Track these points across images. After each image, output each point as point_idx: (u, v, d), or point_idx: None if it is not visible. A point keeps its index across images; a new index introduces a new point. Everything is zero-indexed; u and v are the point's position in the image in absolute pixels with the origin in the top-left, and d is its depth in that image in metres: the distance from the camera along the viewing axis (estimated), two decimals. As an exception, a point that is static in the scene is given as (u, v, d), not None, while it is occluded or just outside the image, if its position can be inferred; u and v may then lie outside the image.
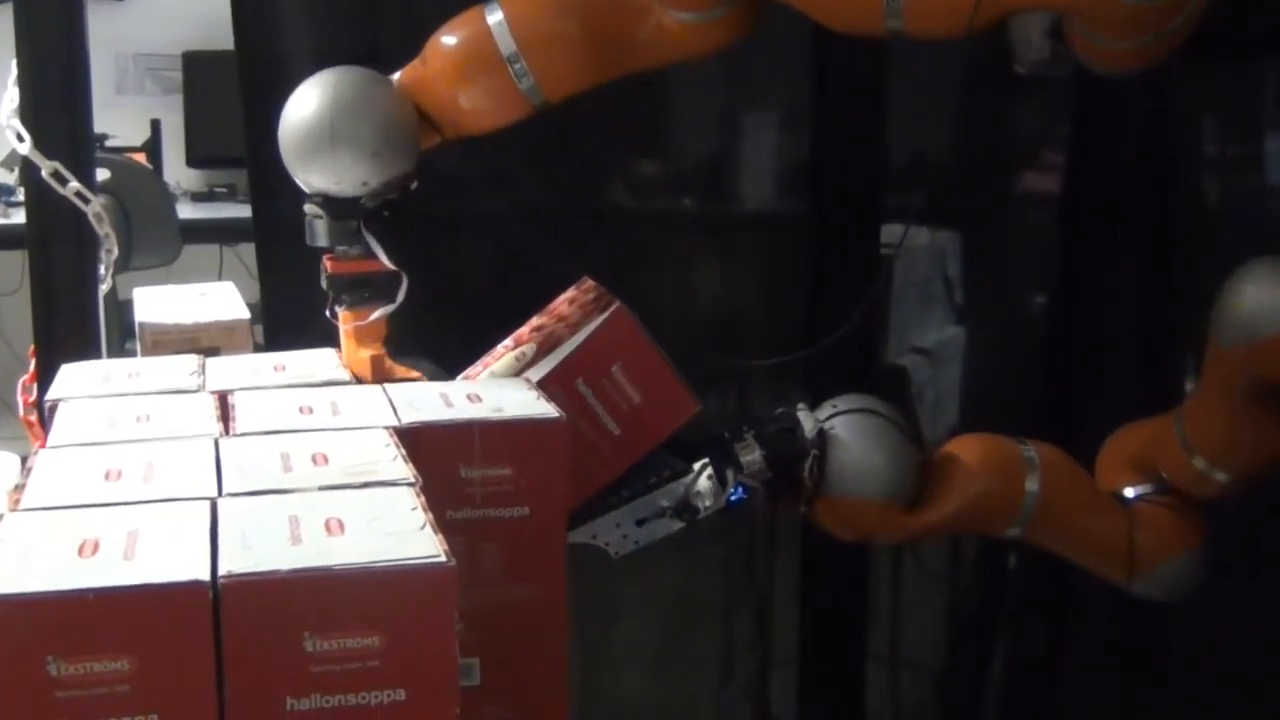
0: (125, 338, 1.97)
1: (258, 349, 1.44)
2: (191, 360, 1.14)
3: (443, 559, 0.73)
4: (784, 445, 1.26)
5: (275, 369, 1.12)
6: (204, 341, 1.39)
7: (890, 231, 1.72)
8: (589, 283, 1.26)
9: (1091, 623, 1.72)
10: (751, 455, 1.25)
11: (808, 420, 1.27)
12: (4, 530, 0.76)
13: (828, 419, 1.28)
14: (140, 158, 3.71)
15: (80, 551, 0.72)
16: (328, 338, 1.22)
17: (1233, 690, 1.54)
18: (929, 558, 1.84)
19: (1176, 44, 1.04)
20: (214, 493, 0.82)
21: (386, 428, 0.94)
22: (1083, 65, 1.12)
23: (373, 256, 1.17)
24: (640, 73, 1.20)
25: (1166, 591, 1.32)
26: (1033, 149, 1.79)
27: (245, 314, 1.46)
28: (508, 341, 1.25)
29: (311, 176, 1.15)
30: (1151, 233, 1.65)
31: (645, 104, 1.69)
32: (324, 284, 1.20)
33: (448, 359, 1.26)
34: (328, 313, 1.21)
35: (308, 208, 1.18)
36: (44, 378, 1.37)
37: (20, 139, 1.37)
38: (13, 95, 1.38)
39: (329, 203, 1.16)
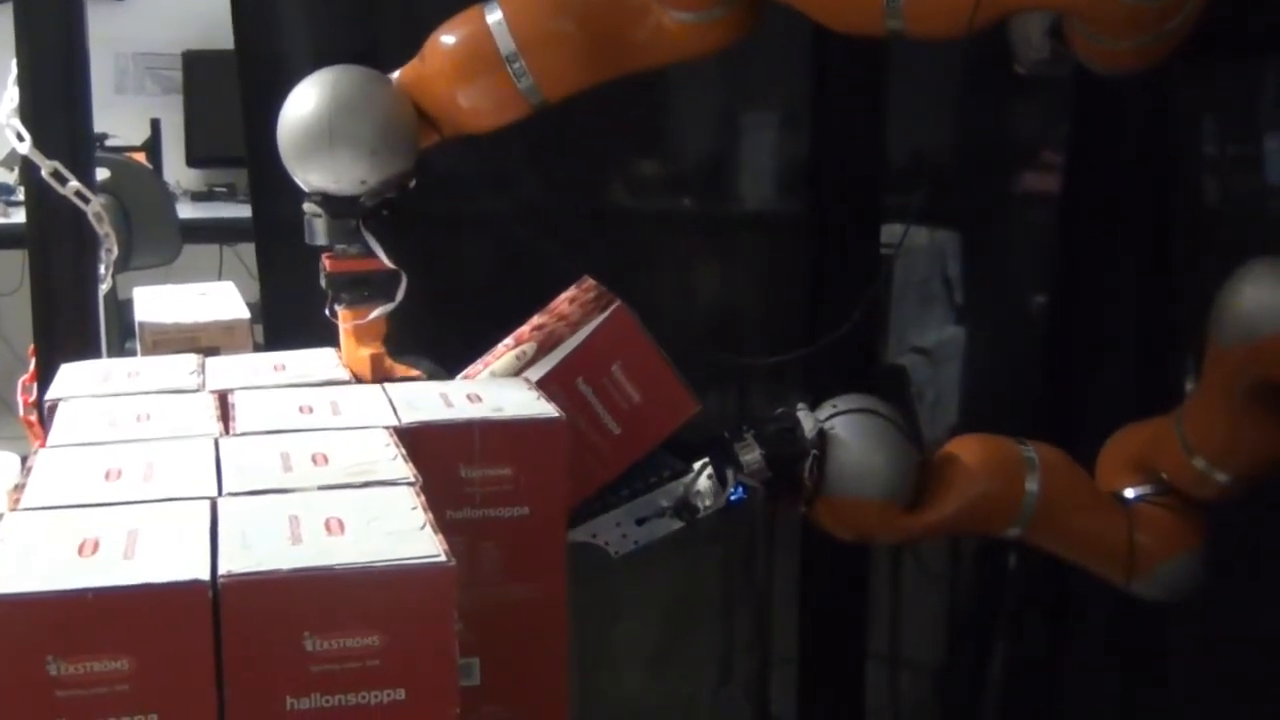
0: (125, 337, 1.97)
1: (257, 349, 1.44)
2: (191, 360, 1.14)
3: (442, 559, 0.73)
4: (784, 445, 1.26)
5: (275, 369, 1.12)
6: (204, 341, 1.39)
7: (890, 231, 1.71)
8: (589, 282, 1.26)
9: (1091, 623, 1.72)
10: (751, 455, 1.25)
11: (808, 420, 1.27)
12: (4, 530, 0.76)
13: (828, 419, 1.28)
14: (140, 157, 3.72)
15: (80, 551, 0.72)
16: (328, 337, 1.22)
17: (1233, 691, 1.54)
18: (929, 558, 1.83)
19: (1176, 44, 1.04)
20: (214, 492, 0.82)
21: (386, 427, 0.94)
22: (1083, 65, 1.12)
23: (372, 255, 1.17)
24: (639, 73, 1.20)
25: (1166, 592, 1.32)
26: (1032, 149, 1.79)
27: (245, 314, 1.46)
28: (508, 340, 1.25)
29: (310, 175, 1.15)
30: (1151, 233, 1.65)
31: (645, 104, 1.69)
32: (323, 282, 1.20)
33: (448, 359, 1.26)
34: (327, 311, 1.21)
35: (307, 206, 1.18)
36: (44, 377, 1.37)
37: (20, 138, 1.37)
38: (12, 94, 1.38)
39: (328, 201, 1.16)
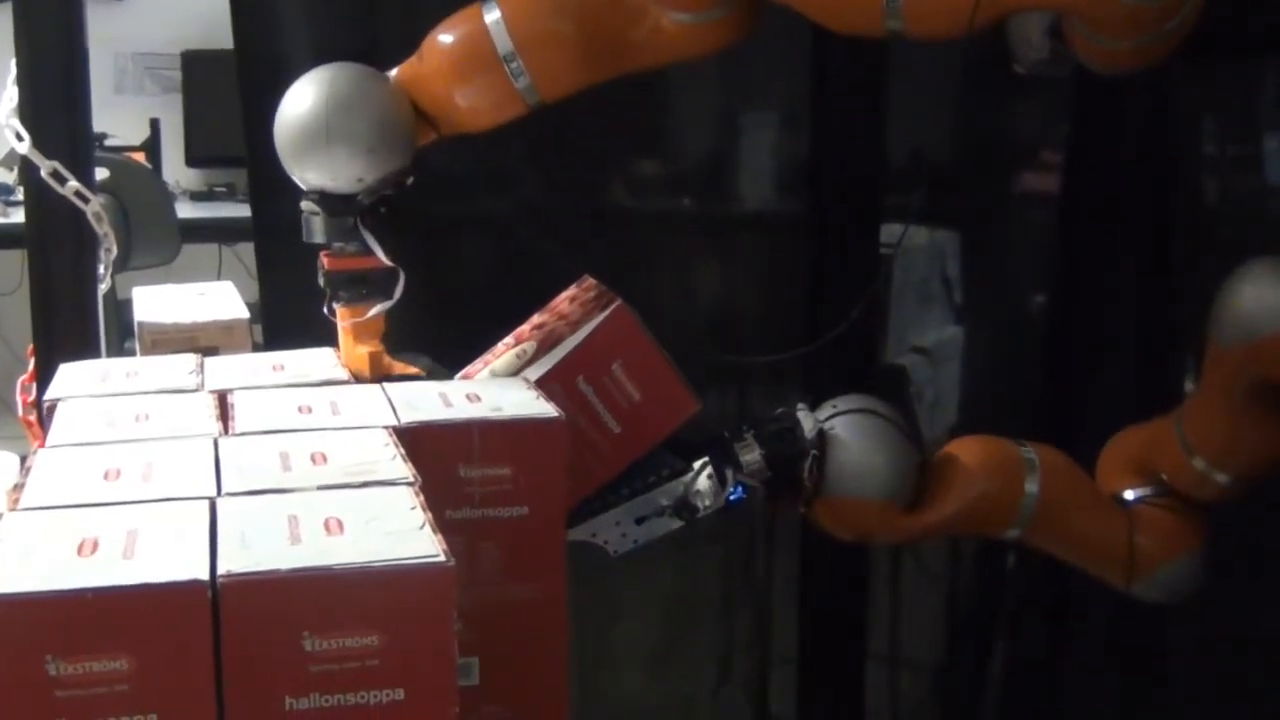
0: (124, 337, 1.97)
1: (257, 348, 1.44)
2: (190, 360, 1.14)
3: (442, 559, 0.73)
4: (784, 445, 1.25)
5: (274, 368, 1.12)
6: (203, 341, 1.39)
7: (890, 231, 1.71)
8: (590, 281, 1.26)
9: (1091, 623, 1.72)
10: (751, 455, 1.25)
11: (807, 420, 1.27)
12: (3, 530, 0.75)
13: (827, 419, 1.28)
14: (139, 157, 3.72)
15: (79, 551, 0.72)
16: (327, 337, 1.22)
17: (1233, 692, 1.54)
18: (929, 558, 1.83)
19: (1176, 44, 1.04)
20: (213, 492, 0.82)
21: (386, 427, 0.94)
22: (1082, 65, 1.11)
23: (369, 253, 1.17)
24: (638, 73, 1.20)
25: (1166, 594, 1.32)
26: (1032, 149, 1.79)
27: (244, 313, 1.46)
28: (508, 339, 1.25)
29: (307, 173, 1.15)
30: (1151, 233, 1.65)
31: (645, 104, 1.69)
32: (321, 280, 1.20)
33: (448, 358, 1.26)
34: (325, 309, 1.21)
35: (304, 204, 1.18)
36: (43, 377, 1.37)
37: (19, 138, 1.37)
38: (12, 94, 1.38)
39: (325, 199, 1.16)
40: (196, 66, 3.98)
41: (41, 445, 0.93)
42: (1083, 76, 1.14)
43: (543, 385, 1.07)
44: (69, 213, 1.38)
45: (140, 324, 1.44)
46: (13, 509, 0.80)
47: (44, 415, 1.03)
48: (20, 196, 2.12)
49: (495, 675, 0.99)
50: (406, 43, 1.20)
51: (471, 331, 1.29)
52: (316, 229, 1.18)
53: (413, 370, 1.20)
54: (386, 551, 0.73)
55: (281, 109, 1.15)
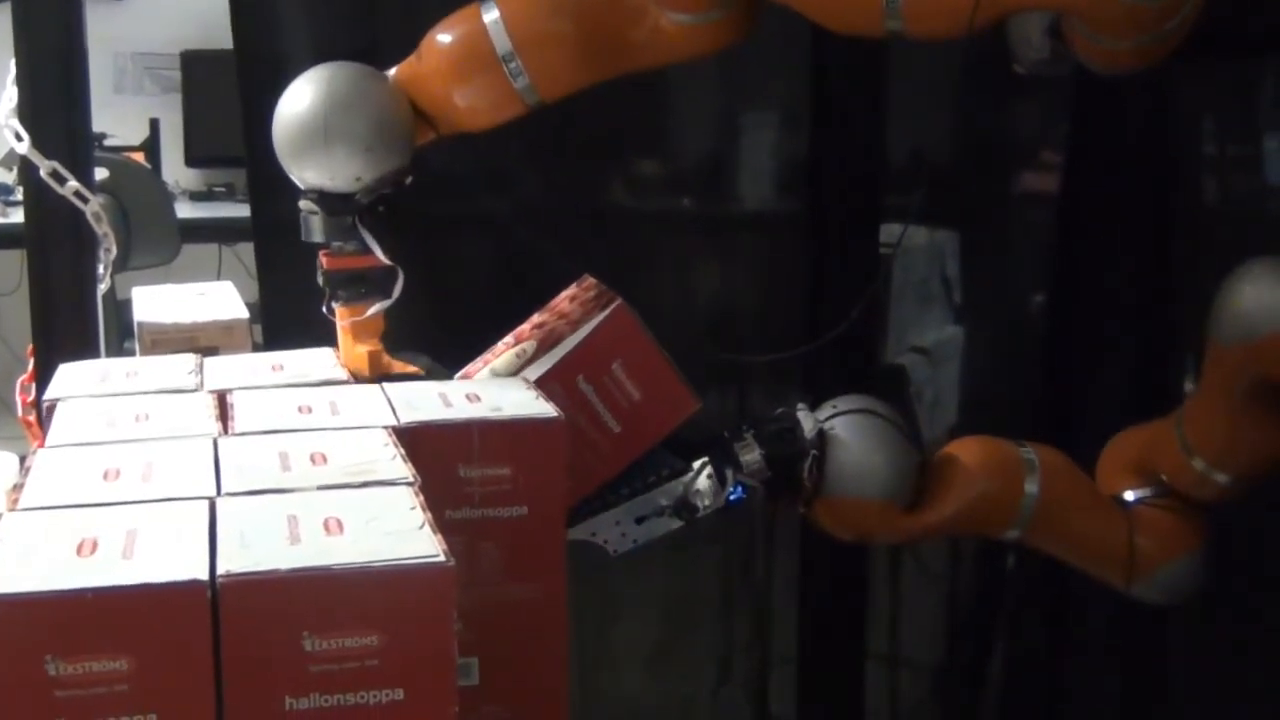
0: (124, 337, 1.97)
1: (256, 348, 1.44)
2: (190, 360, 1.14)
3: (441, 558, 0.73)
4: (783, 445, 1.25)
5: (274, 368, 1.12)
6: (202, 341, 1.39)
7: (889, 230, 1.71)
8: (590, 280, 1.26)
9: (1091, 624, 1.72)
10: (751, 455, 1.25)
11: (807, 420, 1.27)
12: (3, 530, 0.75)
13: (827, 419, 1.27)
14: (139, 157, 3.72)
15: (79, 551, 0.72)
16: (326, 337, 1.22)
17: (1233, 693, 1.54)
18: (928, 558, 1.83)
19: (1176, 44, 1.04)
20: (212, 492, 0.82)
21: (385, 427, 0.94)
22: (1082, 65, 1.11)
23: (368, 252, 1.17)
24: (637, 73, 1.20)
25: (1166, 595, 1.31)
26: (1032, 149, 1.79)
27: (244, 313, 1.46)
28: (508, 339, 1.25)
29: (306, 172, 1.15)
30: (1151, 233, 1.64)
31: (645, 104, 1.69)
32: (320, 280, 1.20)
33: (448, 358, 1.26)
34: (324, 308, 1.21)
35: (302, 203, 1.18)
36: (42, 377, 1.37)
37: (19, 138, 1.37)
38: (11, 94, 1.38)
39: (323, 198, 1.16)
40: (196, 66, 3.98)
41: (41, 445, 0.93)
42: (1083, 76, 1.14)
43: (543, 385, 1.07)
44: (68, 213, 1.38)
45: (140, 324, 1.44)
46: (12, 509, 0.80)
47: (43, 415, 1.03)
48: (20, 196, 2.12)
49: (495, 675, 0.99)
50: (406, 43, 1.20)
51: (471, 331, 1.29)
52: (315, 228, 1.18)
53: (412, 369, 1.20)
54: (386, 551, 0.73)
55: (280, 108, 1.15)
